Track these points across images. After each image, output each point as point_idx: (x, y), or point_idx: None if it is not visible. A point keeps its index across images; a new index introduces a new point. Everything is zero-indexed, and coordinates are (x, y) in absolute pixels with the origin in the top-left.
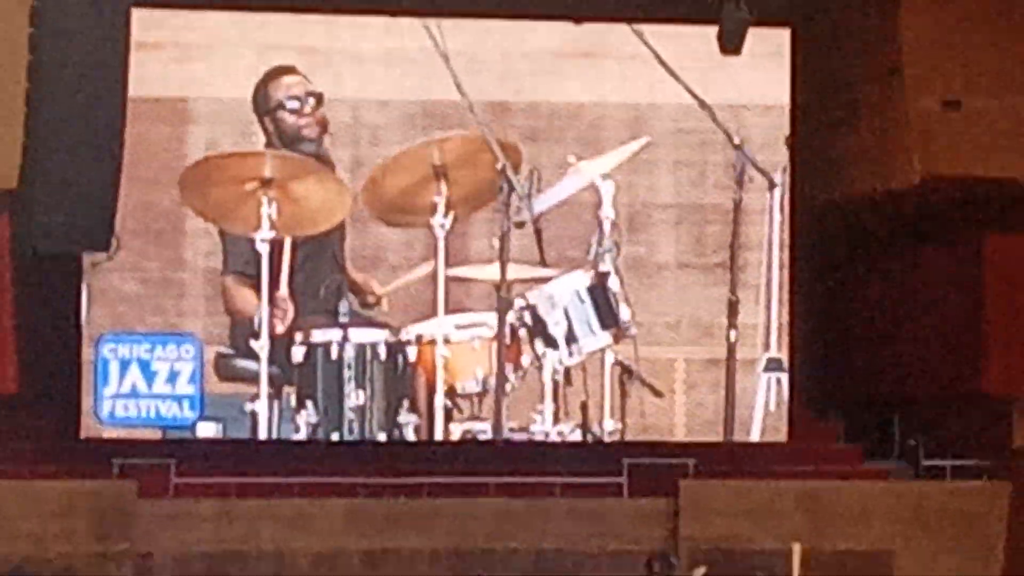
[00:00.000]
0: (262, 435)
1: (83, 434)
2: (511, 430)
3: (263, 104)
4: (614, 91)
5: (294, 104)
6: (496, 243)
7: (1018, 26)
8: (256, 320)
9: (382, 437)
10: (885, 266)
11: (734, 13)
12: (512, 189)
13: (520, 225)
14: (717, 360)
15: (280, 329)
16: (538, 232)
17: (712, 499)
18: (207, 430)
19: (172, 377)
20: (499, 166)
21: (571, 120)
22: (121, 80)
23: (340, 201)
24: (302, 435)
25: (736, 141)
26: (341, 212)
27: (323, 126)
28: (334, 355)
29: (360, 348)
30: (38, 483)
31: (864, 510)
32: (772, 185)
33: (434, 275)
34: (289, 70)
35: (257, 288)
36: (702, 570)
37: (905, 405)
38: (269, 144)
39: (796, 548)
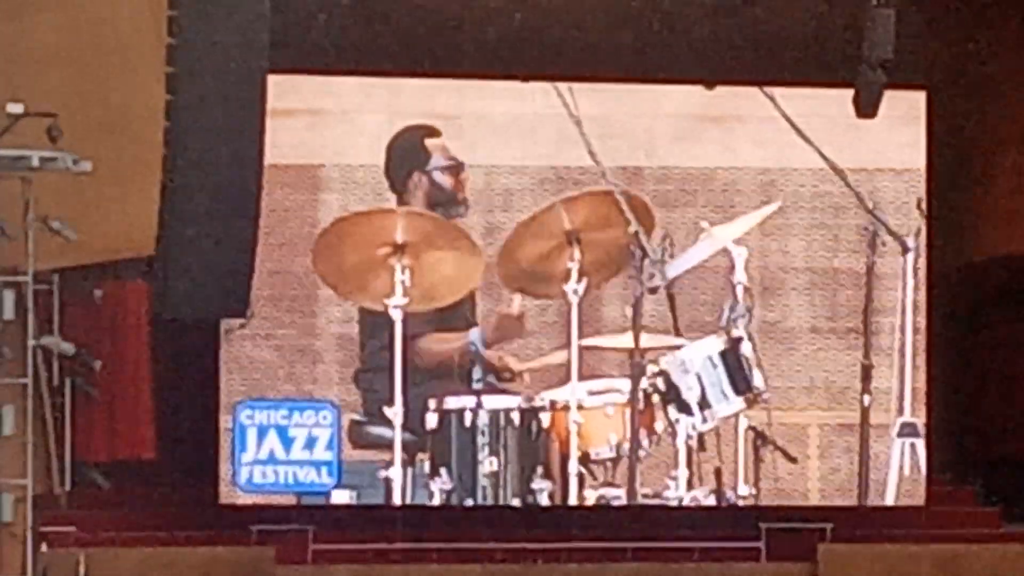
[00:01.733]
0: (396, 501)
1: (221, 500)
2: (645, 496)
3: (416, 159)
4: (746, 156)
5: (451, 164)
6: (629, 310)
7: None
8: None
9: (516, 503)
10: (1021, 328)
11: (870, 76)
12: (645, 255)
13: (653, 291)
14: (851, 425)
15: None
16: (671, 298)
17: (850, 563)
18: (342, 496)
19: (310, 443)
20: (632, 230)
21: (703, 184)
22: (257, 146)
23: (473, 268)
24: (436, 501)
25: (869, 205)
26: (474, 280)
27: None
28: (468, 422)
29: (494, 414)
30: (177, 550)
31: (1002, 574)
32: (906, 249)
33: (568, 342)
34: (435, 131)
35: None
36: None
37: None
38: (407, 202)
39: None
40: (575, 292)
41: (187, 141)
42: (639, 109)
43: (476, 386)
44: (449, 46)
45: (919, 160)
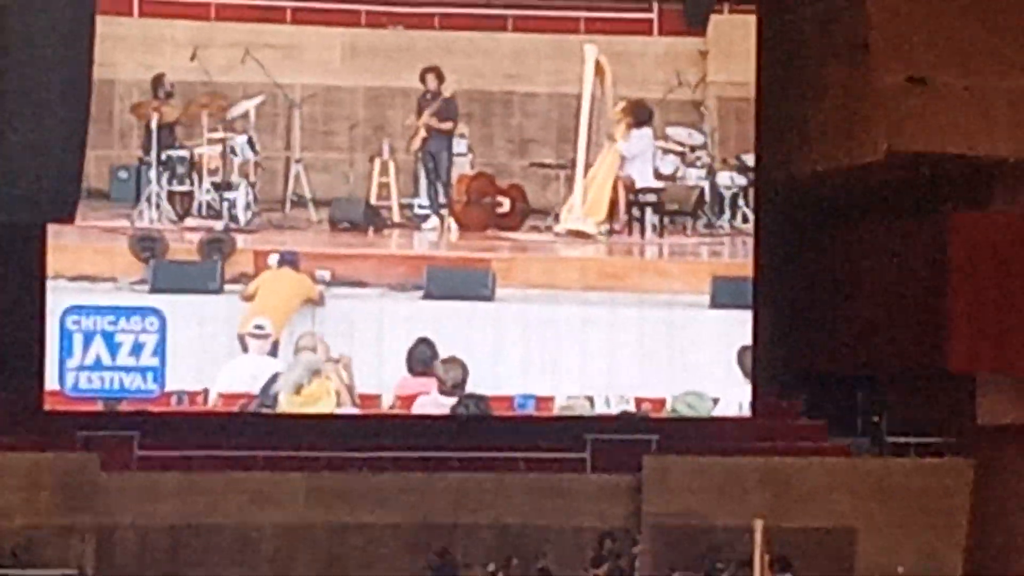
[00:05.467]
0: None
1: (47, 406)
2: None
3: None
4: None
5: None
6: None
7: (983, 4)
8: None
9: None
10: (849, 242)
11: None
12: None
13: None
14: None
15: None
16: None
17: (675, 475)
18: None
19: (136, 349)
20: None
21: None
22: (88, 51)
23: None
24: None
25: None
26: None
27: None
28: None
29: None
30: (1, 455)
31: (827, 487)
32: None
33: None
34: None
35: None
36: None
37: (869, 382)
38: None
39: (758, 524)
40: None
41: (16, 44)
42: None
43: None
44: None
45: (750, 75)
